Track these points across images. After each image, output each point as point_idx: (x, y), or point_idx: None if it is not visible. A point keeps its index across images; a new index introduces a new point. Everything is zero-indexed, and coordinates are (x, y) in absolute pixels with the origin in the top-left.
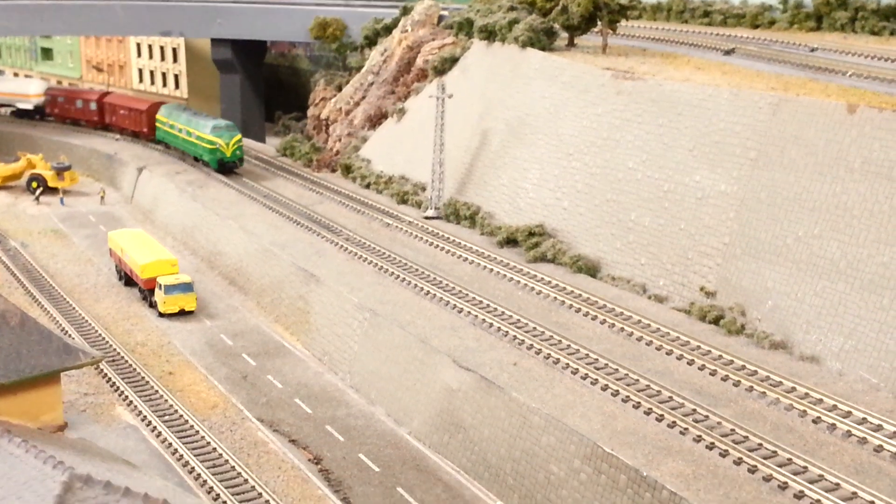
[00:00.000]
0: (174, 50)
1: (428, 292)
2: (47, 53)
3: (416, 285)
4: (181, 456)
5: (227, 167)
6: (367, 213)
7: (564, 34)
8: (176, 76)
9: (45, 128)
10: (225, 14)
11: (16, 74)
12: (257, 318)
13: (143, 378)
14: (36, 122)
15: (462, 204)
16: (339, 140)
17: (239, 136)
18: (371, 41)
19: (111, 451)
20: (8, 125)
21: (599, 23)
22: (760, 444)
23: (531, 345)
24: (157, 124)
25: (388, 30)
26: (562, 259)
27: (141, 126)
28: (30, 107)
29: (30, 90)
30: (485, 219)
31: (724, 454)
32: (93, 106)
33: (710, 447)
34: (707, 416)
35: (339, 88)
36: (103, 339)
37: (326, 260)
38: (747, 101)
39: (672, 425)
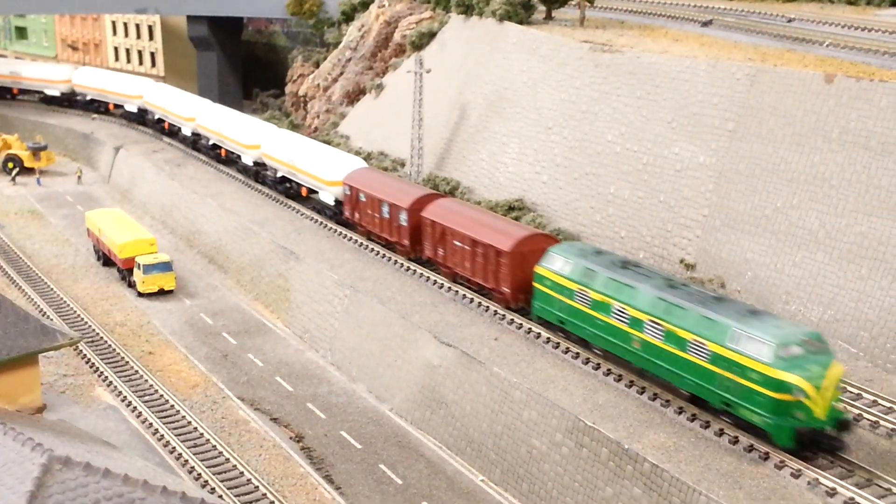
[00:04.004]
0: (150, 27)
1: (408, 268)
2: (21, 32)
3: (395, 261)
4: (162, 436)
5: (809, 438)
6: None
7: (542, 7)
8: (152, 54)
9: (21, 107)
10: None
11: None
12: (237, 297)
13: (122, 358)
14: (9, 102)
15: (441, 179)
16: (318, 117)
17: (837, 366)
18: (348, 16)
19: (91, 433)
20: None
21: None
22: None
23: (512, 319)
24: (538, 284)
25: (366, 5)
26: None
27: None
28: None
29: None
30: (464, 194)
31: (705, 426)
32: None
33: (692, 419)
34: None
35: (317, 65)
36: (82, 319)
37: (306, 237)
38: (725, 73)
39: (653, 398)
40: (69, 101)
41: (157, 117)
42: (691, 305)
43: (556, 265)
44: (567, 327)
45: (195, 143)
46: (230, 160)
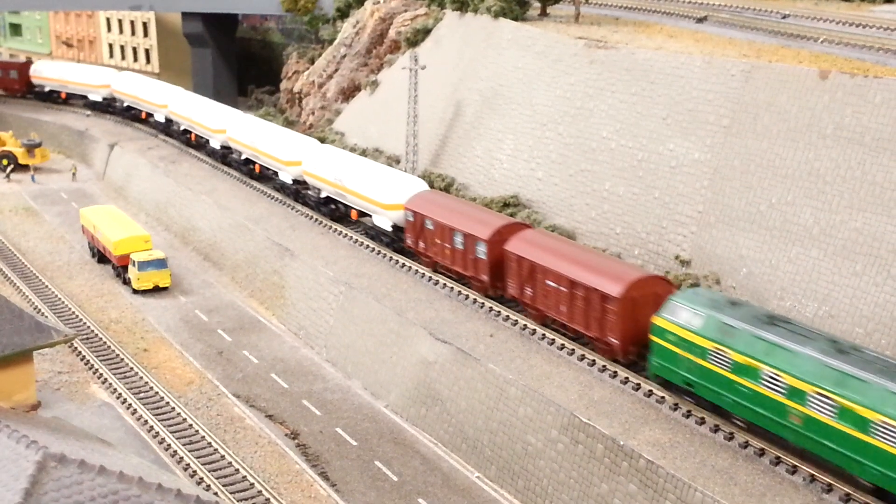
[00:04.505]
0: (144, 24)
1: (403, 265)
2: (16, 29)
3: (391, 258)
4: (157, 433)
5: None
6: None
7: (537, 4)
8: (147, 51)
9: (15, 104)
10: None
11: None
12: (232, 294)
13: (117, 355)
14: (4, 98)
15: (437, 176)
16: (313, 113)
17: None
18: (343, 13)
19: (86, 430)
20: None
21: None
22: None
23: (507, 316)
24: (657, 339)
25: (360, 1)
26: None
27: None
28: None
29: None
30: (459, 190)
31: (700, 422)
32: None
33: (687, 415)
34: None
35: (312, 61)
36: (77, 316)
37: (301, 234)
38: (720, 69)
39: (649, 394)
40: (110, 107)
41: (182, 128)
42: (873, 377)
43: (681, 317)
44: (697, 392)
45: (225, 156)
46: (265, 176)
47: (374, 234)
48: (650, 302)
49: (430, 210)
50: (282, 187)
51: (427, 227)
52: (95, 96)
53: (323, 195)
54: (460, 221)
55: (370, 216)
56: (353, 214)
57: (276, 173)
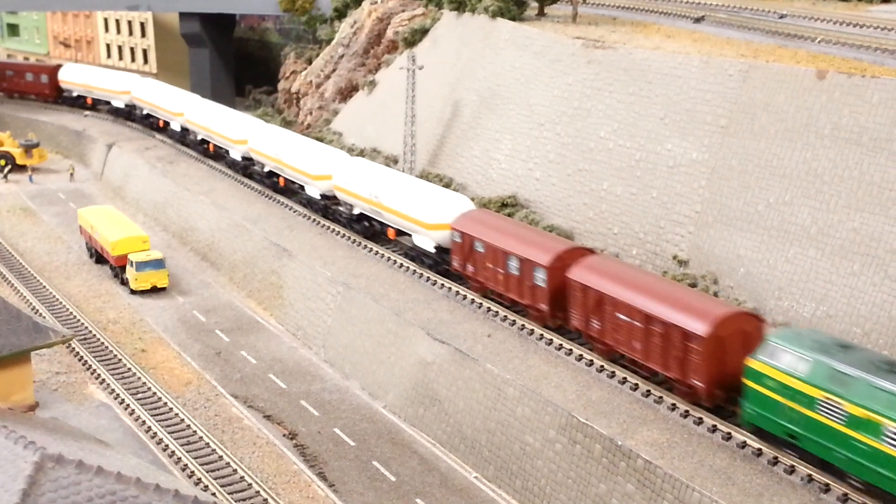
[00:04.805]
0: (142, 24)
1: (401, 265)
2: (13, 29)
3: (388, 258)
4: (155, 433)
5: None
6: None
7: (534, 3)
8: (144, 51)
9: (12, 105)
10: None
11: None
12: (230, 294)
13: (115, 356)
14: (2, 99)
15: (434, 176)
16: (310, 113)
17: None
18: (341, 13)
19: (84, 430)
20: None
21: None
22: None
23: (505, 316)
24: (753, 383)
25: (358, 1)
26: None
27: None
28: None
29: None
30: (457, 190)
31: (698, 422)
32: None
33: (685, 415)
34: None
35: (310, 61)
36: (74, 317)
37: (298, 234)
38: (717, 69)
39: (647, 394)
40: (131, 114)
41: (199, 138)
42: None
43: (783, 361)
44: (802, 445)
45: (246, 168)
46: (291, 190)
47: (415, 254)
48: (739, 341)
49: (480, 231)
50: (308, 202)
51: (477, 250)
52: (118, 103)
53: (356, 212)
54: (516, 244)
55: (410, 235)
56: (391, 233)
57: (302, 187)
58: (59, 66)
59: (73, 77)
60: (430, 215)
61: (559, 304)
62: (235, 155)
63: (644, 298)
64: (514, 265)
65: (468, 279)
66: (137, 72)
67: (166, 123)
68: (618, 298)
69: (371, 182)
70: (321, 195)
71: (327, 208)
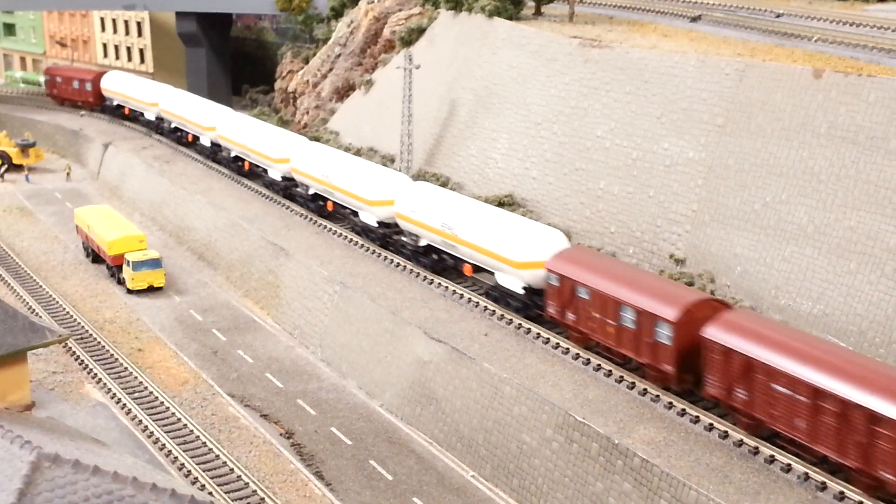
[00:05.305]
0: (139, 24)
1: (398, 264)
2: (10, 29)
3: (385, 257)
4: (151, 433)
5: None
6: None
7: (531, 3)
8: (141, 50)
9: (8, 104)
10: None
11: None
12: (227, 293)
13: (112, 355)
14: (7, 97)
15: (431, 175)
16: (307, 113)
17: None
18: (337, 12)
19: (80, 430)
20: None
21: None
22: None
23: (502, 315)
24: None
25: (355, 1)
26: None
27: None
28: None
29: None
30: (454, 189)
31: (695, 420)
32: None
33: (682, 414)
34: None
35: (306, 61)
36: (71, 316)
37: (295, 233)
38: (714, 68)
39: (643, 393)
40: (159, 128)
41: (233, 154)
42: None
43: None
44: None
45: (287, 189)
46: (342, 215)
47: (497, 295)
48: None
49: (583, 274)
50: (364, 230)
51: (580, 296)
52: (149, 115)
53: (422, 243)
54: (632, 293)
55: (490, 273)
56: (467, 269)
57: (355, 213)
58: (102, 73)
59: (113, 85)
60: (519, 252)
61: (688, 366)
62: (275, 174)
63: (812, 369)
64: (629, 317)
65: (567, 328)
66: (133, 71)
67: (195, 138)
68: (774, 367)
69: (442, 210)
70: (379, 222)
71: (386, 238)
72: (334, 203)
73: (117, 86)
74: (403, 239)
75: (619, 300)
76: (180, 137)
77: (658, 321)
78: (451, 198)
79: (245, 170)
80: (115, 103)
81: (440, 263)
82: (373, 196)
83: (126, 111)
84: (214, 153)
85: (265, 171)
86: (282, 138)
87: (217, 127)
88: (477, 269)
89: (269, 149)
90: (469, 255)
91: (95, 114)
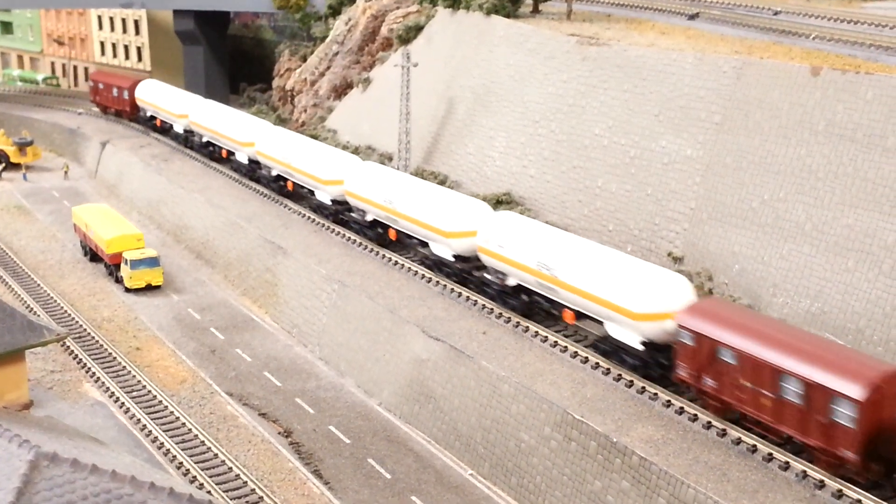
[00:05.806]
0: (136, 22)
1: (396, 262)
2: (7, 27)
3: (384, 256)
4: (150, 432)
5: None
6: None
7: (529, 1)
8: (138, 49)
9: (6, 103)
10: None
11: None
12: (225, 292)
13: (110, 354)
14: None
15: (429, 173)
16: (305, 111)
17: None
18: (335, 10)
19: (78, 429)
20: None
21: None
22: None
23: (500, 313)
24: None
25: None
26: None
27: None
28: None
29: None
30: (452, 187)
31: (693, 418)
32: None
33: (680, 412)
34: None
35: (304, 59)
36: (69, 315)
37: (293, 232)
38: (712, 66)
39: (641, 391)
40: (188, 141)
41: (274, 173)
42: None
43: None
44: None
45: (338, 213)
46: (403, 244)
47: (609, 348)
48: None
49: (727, 334)
50: (437, 265)
51: (723, 359)
52: (178, 127)
53: (510, 282)
54: (796, 361)
55: (601, 322)
56: (568, 316)
57: (424, 243)
58: (139, 80)
59: (146, 95)
60: (637, 301)
61: (876, 454)
62: (324, 197)
63: None
64: (793, 389)
65: (703, 396)
66: (132, 70)
67: (230, 154)
68: None
69: (538, 247)
70: (455, 256)
71: (465, 273)
72: (398, 232)
73: (149, 95)
74: (486, 276)
75: (781, 368)
76: (212, 152)
77: (836, 397)
78: (548, 232)
79: (288, 191)
80: (147, 114)
81: (531, 306)
82: (447, 227)
83: (157, 122)
84: (252, 171)
85: (311, 192)
86: (332, 157)
87: (256, 143)
88: (580, 315)
89: (317, 168)
90: (572, 300)
91: (94, 112)
